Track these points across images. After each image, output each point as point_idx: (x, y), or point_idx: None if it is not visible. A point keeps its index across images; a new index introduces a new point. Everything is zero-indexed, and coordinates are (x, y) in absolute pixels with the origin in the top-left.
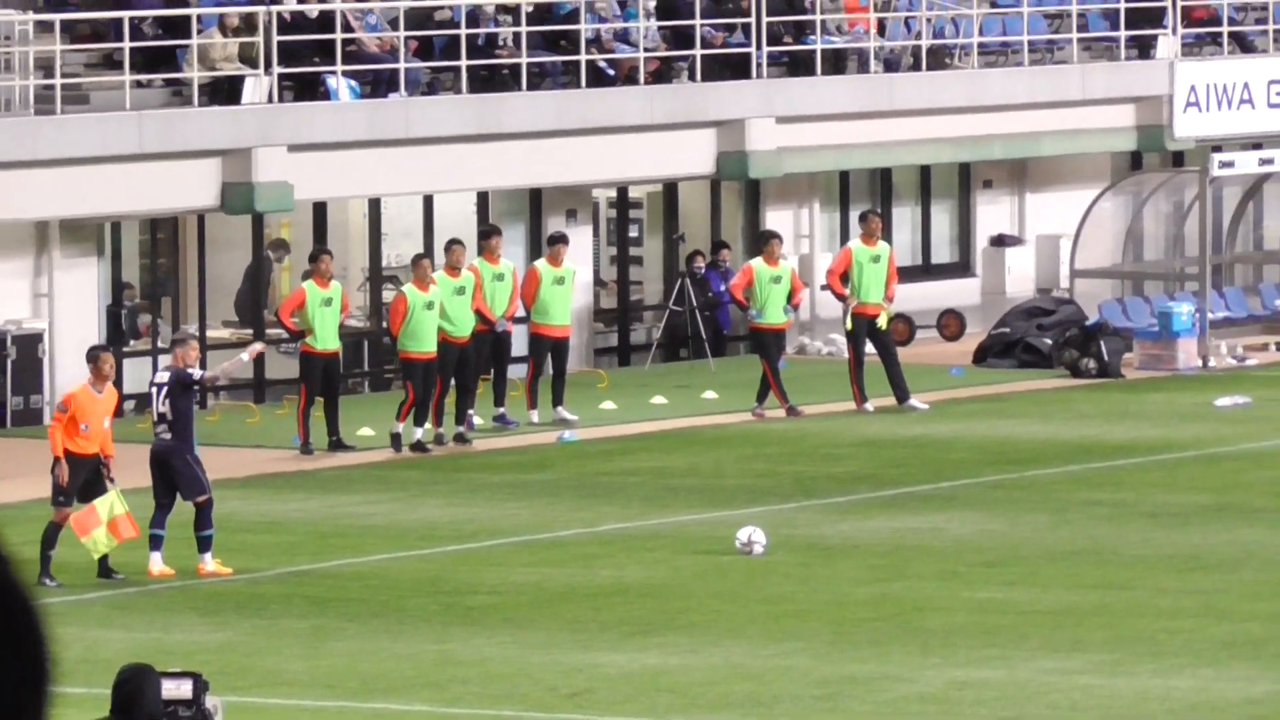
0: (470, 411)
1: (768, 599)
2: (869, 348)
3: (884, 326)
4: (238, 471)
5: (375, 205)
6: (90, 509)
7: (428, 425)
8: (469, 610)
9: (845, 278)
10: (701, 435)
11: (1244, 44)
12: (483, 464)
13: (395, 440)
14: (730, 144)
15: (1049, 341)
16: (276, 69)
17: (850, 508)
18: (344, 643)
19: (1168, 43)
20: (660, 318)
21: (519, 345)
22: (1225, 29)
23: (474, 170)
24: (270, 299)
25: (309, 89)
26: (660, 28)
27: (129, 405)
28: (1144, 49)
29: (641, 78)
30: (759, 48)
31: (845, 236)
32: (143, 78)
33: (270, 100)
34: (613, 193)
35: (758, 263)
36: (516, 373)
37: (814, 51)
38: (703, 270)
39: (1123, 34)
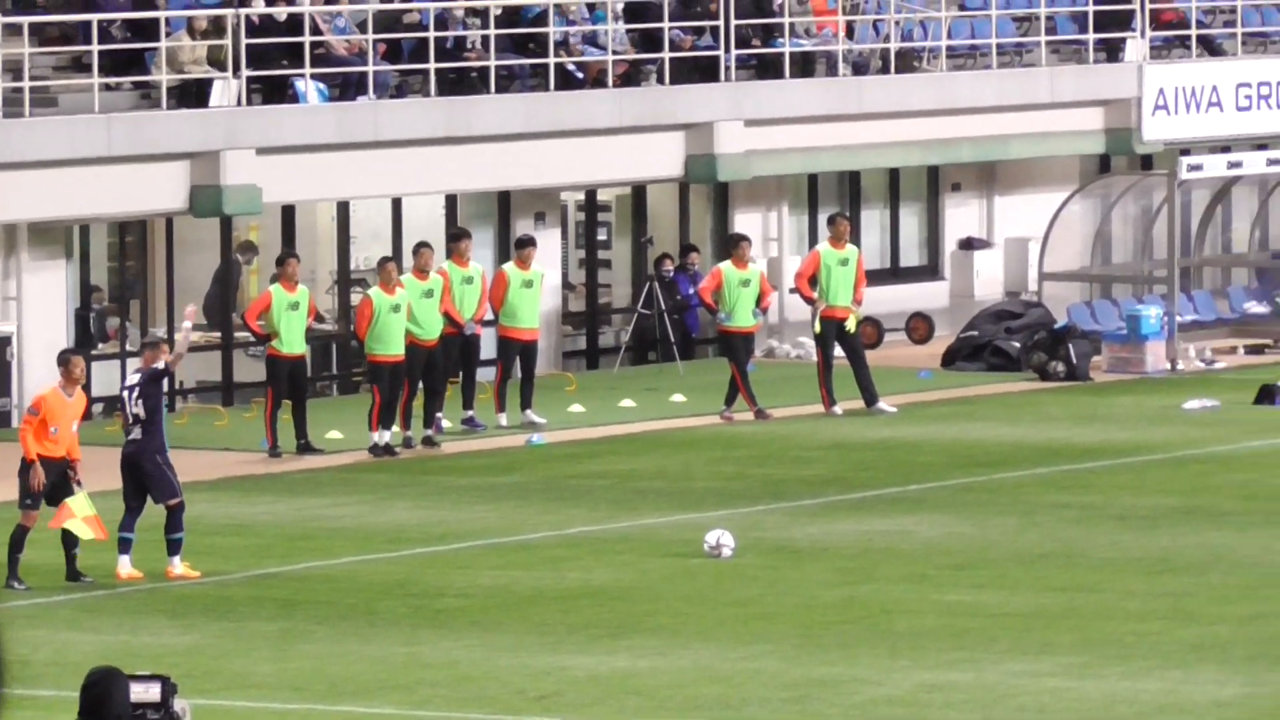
0: (438, 414)
1: (736, 602)
2: (837, 351)
3: (852, 329)
4: (206, 474)
5: (344, 208)
6: (63, 507)
7: (395, 428)
8: (437, 613)
9: (814, 281)
10: (670, 438)
11: (1212, 47)
12: (451, 467)
13: (376, 450)
14: (699, 147)
15: (1017, 345)
16: (245, 72)
17: (819, 510)
18: (312, 645)
19: (1136, 46)
20: (629, 321)
21: (487, 348)
22: (1193, 32)
23: (442, 173)
24: (239, 301)
25: (277, 92)
26: (628, 30)
27: (97, 408)
28: (1112, 52)
29: (610, 81)
30: (727, 51)
31: (814, 239)
32: (111, 80)
33: (238, 103)
34: (581, 196)
35: (727, 266)
36: (485, 376)
37: (782, 54)
38: (671, 273)
39: (1091, 37)
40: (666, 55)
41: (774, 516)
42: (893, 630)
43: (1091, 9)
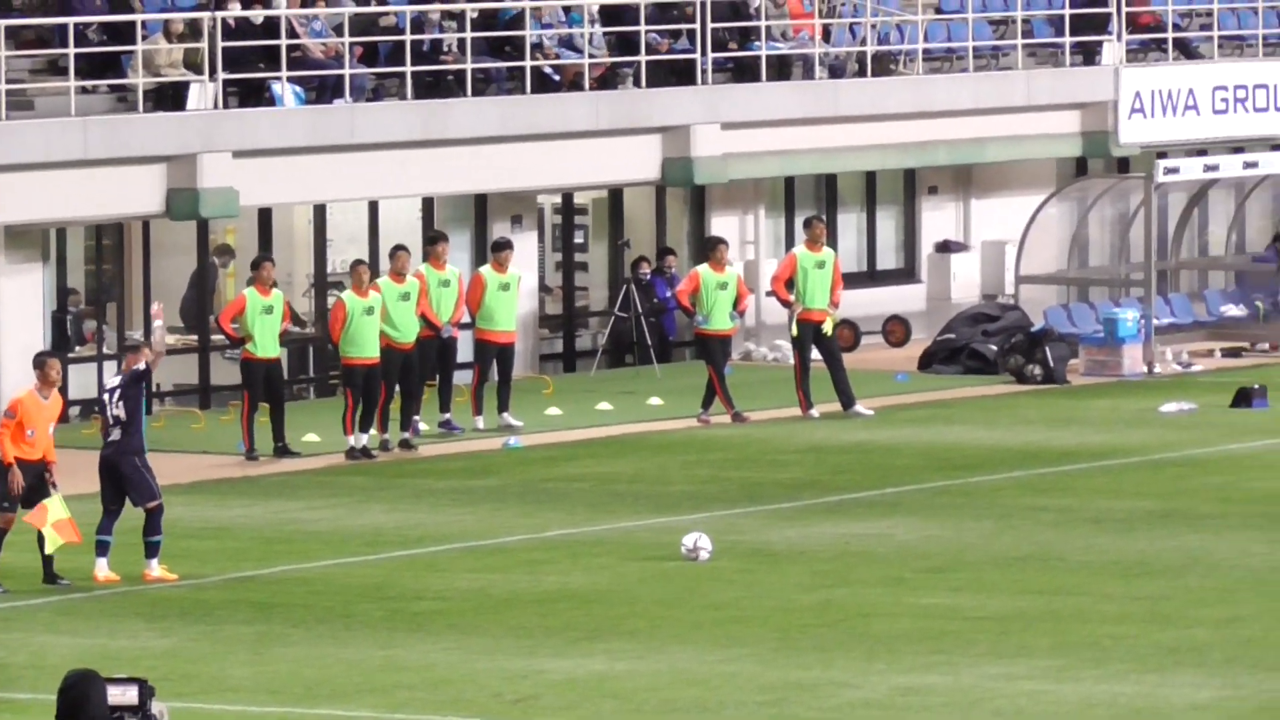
0: (416, 417)
1: (713, 605)
2: (814, 354)
3: (829, 332)
4: (183, 477)
5: (320, 211)
6: (40, 508)
7: (373, 431)
8: (414, 616)
9: (790, 284)
10: (647, 441)
11: (1188, 51)
12: (428, 470)
13: (353, 453)
14: (675, 150)
15: (994, 347)
16: (221, 75)
17: (795, 514)
18: (289, 648)
19: (1112, 49)
20: (606, 324)
21: (464, 351)
22: (1170, 35)
23: (419, 176)
24: (216, 305)
25: (254, 95)
26: (605, 33)
27: (73, 411)
28: (1089, 55)
29: (587, 84)
30: (704, 54)
31: (790, 242)
32: (88, 84)
33: (215, 106)
34: (558, 199)
35: (704, 269)
36: (462, 378)
37: (759, 57)
38: (648, 276)
39: (1067, 40)
40: (643, 58)
41: (751, 519)
42: (869, 633)
43: (1068, 12)
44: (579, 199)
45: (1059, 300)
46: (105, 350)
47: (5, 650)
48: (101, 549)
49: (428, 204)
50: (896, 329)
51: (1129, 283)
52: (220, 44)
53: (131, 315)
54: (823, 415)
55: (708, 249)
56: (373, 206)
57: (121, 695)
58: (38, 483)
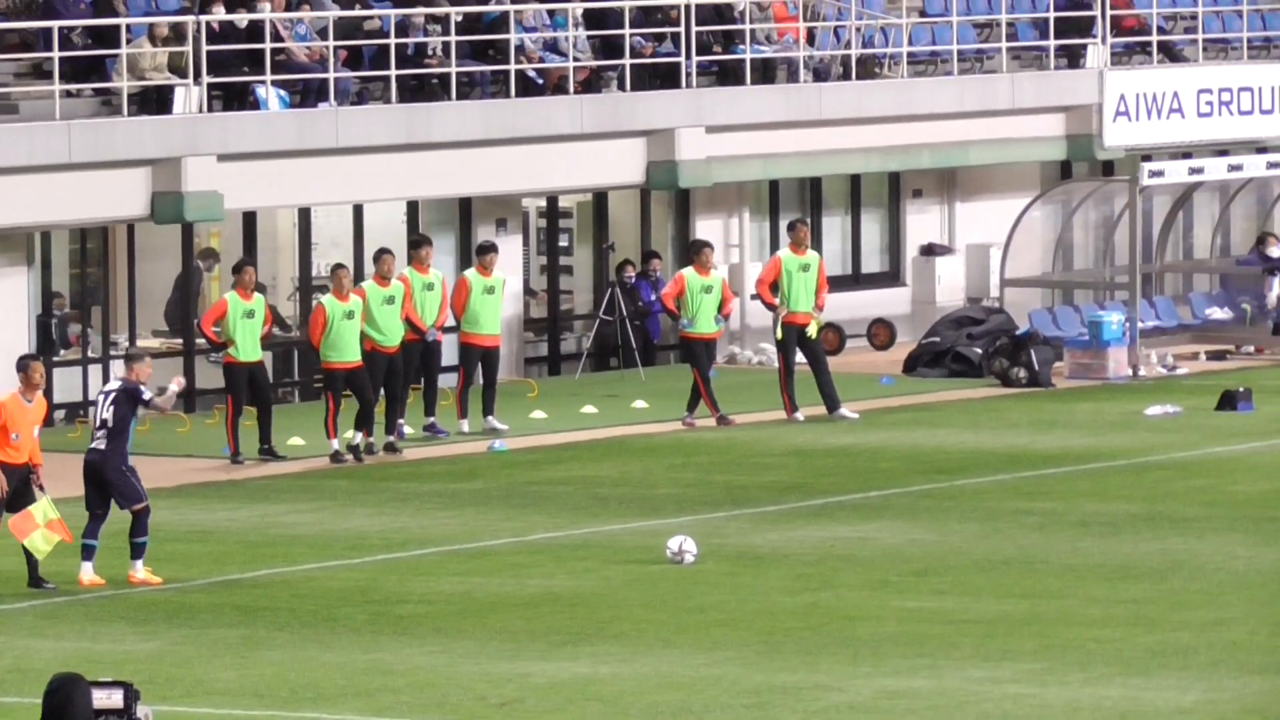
0: (400, 421)
1: (697, 608)
2: (799, 357)
3: (814, 335)
4: (168, 481)
5: (305, 214)
6: (26, 514)
7: (348, 433)
8: (398, 619)
9: (775, 287)
10: (631, 444)
11: (1173, 54)
12: (412, 473)
13: (337, 455)
14: (660, 153)
15: (979, 351)
16: (206, 78)
17: (780, 517)
18: (274, 651)
19: (1097, 52)
20: (590, 327)
21: (449, 354)
22: (1154, 38)
23: (403, 179)
24: (200, 308)
25: (238, 98)
26: (589, 37)
27: (59, 415)
28: (1073, 58)
29: (571, 87)
30: (688, 57)
31: (775, 246)
32: (72, 87)
33: (200, 110)
34: (542, 202)
35: (689, 272)
36: (447, 382)
37: (743, 61)
38: (633, 280)
39: (1052, 43)
40: (627, 62)
41: (735, 523)
42: (854, 637)
43: (1052, 15)
44: (563, 202)
45: (1044, 303)
46: (90, 354)
47: None
48: (87, 553)
49: (412, 207)
50: (881, 332)
51: (1114, 286)
52: (205, 47)
53: (116, 319)
54: (807, 418)
55: (692, 252)
56: (357, 210)
57: (106, 699)
58: (23, 486)
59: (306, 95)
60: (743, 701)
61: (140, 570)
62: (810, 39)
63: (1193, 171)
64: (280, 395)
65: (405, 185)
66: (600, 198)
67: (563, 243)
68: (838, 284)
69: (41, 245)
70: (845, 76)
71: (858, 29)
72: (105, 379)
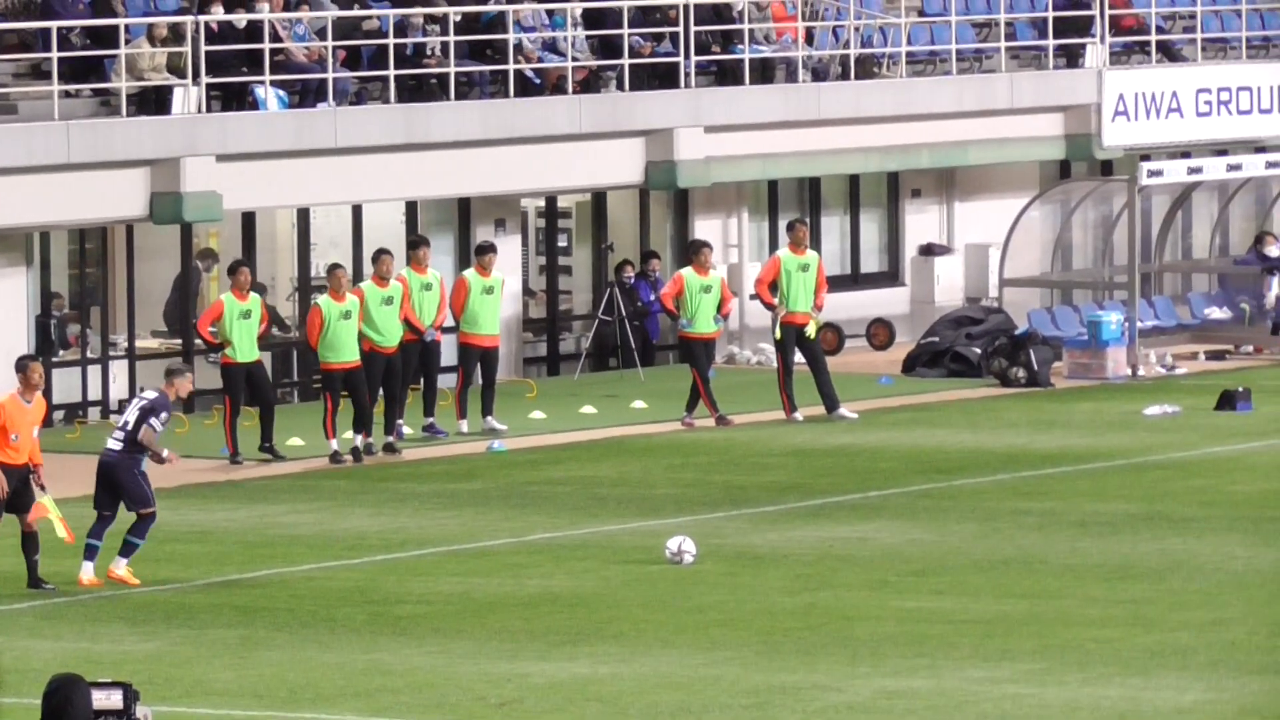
0: (399, 421)
1: (696, 608)
2: (798, 357)
3: (813, 335)
4: (167, 481)
5: (304, 215)
6: (39, 505)
7: (347, 434)
8: (397, 620)
9: (774, 287)
10: (630, 445)
11: (1171, 53)
12: (411, 473)
13: (336, 456)
14: (658, 153)
15: (978, 351)
16: (204, 79)
17: (779, 517)
18: (272, 652)
19: (1096, 51)
20: (589, 327)
21: (448, 355)
22: (1153, 38)
23: (402, 179)
24: (199, 308)
25: (237, 99)
26: (588, 37)
27: (58, 415)
28: (1072, 58)
29: (569, 87)
30: (687, 57)
31: (774, 246)
32: (71, 88)
33: (198, 110)
34: (541, 202)
35: (688, 272)
36: (446, 382)
37: (742, 61)
38: (632, 280)
39: (1051, 43)
40: (626, 61)
41: (734, 523)
42: (853, 637)
43: (1051, 15)
44: (562, 202)
45: (1042, 303)
46: (89, 354)
47: None
48: (89, 553)
49: (411, 208)
50: (880, 332)
51: (1112, 285)
52: (203, 48)
53: (115, 319)
54: (806, 418)
55: (691, 252)
56: (356, 210)
57: (106, 699)
58: (22, 487)
59: (305, 95)
60: (741, 702)
61: (121, 568)
62: (809, 39)
63: (1191, 171)
64: (279, 396)
65: (404, 185)
66: (599, 198)
67: (561, 243)
68: (837, 284)
69: (40, 246)
70: (844, 76)
71: (856, 29)
72: (105, 379)
